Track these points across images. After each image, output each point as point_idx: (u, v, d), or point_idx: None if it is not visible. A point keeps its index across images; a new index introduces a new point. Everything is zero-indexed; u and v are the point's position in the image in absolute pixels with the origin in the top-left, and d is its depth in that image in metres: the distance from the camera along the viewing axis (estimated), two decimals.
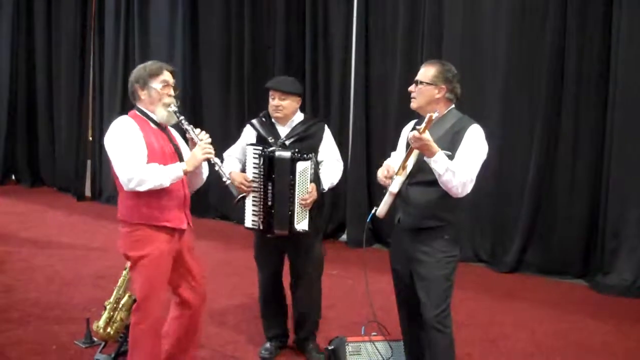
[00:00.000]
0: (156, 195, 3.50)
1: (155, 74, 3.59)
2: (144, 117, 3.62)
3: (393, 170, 3.56)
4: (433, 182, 3.41)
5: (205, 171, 3.80)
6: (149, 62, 3.67)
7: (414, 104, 3.59)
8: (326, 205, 6.41)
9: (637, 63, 5.86)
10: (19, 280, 5.94)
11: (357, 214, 7.54)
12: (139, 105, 3.65)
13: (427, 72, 3.55)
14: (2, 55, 11.37)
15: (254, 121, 4.39)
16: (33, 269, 6.32)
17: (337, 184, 4.46)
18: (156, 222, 3.55)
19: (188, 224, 3.72)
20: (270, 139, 4.22)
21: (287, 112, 4.25)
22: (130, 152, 3.43)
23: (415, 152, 3.44)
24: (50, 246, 7.23)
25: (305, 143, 4.25)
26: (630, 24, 5.86)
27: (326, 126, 4.45)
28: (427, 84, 3.53)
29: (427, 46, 6.92)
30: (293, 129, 4.30)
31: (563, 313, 5.48)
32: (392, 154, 3.88)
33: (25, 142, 11.26)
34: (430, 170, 3.39)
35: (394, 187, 3.54)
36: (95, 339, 4.52)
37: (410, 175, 3.53)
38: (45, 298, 5.50)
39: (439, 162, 3.32)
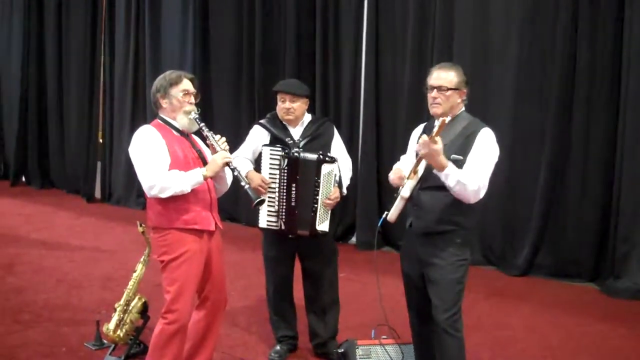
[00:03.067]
0: (183, 199, 3.58)
1: (175, 83, 3.68)
2: (167, 126, 3.70)
3: (404, 174, 3.55)
4: (445, 187, 3.41)
5: (229, 177, 3.85)
6: (168, 72, 3.76)
7: (438, 110, 3.51)
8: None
9: None
10: (29, 282, 5.96)
11: (367, 217, 7.53)
12: (161, 114, 3.74)
13: (449, 77, 3.51)
14: (13, 58, 11.44)
15: (264, 122, 4.41)
16: (43, 270, 6.34)
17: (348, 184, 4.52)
18: (184, 225, 3.62)
19: (217, 226, 3.78)
20: (288, 140, 4.23)
21: (298, 114, 4.29)
22: (151, 160, 3.53)
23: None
24: (60, 248, 7.24)
25: (319, 142, 4.32)
26: None
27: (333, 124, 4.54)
28: (453, 89, 3.50)
29: (437, 46, 6.90)
30: (306, 129, 4.34)
31: (574, 317, 5.45)
32: (402, 157, 3.86)
33: (36, 144, 11.30)
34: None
35: (406, 191, 3.52)
36: (105, 341, 4.52)
37: (422, 180, 3.51)
38: (54, 300, 5.51)
39: (450, 176, 3.32)
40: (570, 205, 6.41)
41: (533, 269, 6.57)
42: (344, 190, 4.38)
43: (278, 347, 4.48)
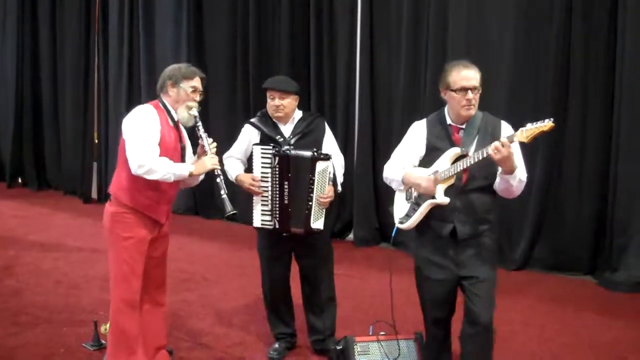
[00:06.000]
0: (152, 186, 3.72)
1: (188, 77, 3.85)
2: (165, 112, 3.82)
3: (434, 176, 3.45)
4: (485, 188, 3.43)
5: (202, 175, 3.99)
6: (184, 64, 3.94)
7: (473, 112, 3.46)
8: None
9: None
10: (27, 284, 5.95)
11: (364, 213, 7.54)
12: (164, 99, 3.86)
13: (477, 75, 3.43)
14: (7, 60, 11.41)
15: (254, 120, 4.40)
16: (40, 272, 6.33)
17: (343, 181, 4.51)
18: (145, 211, 3.77)
19: (167, 218, 3.95)
20: (279, 138, 4.23)
21: (287, 111, 4.28)
22: (147, 140, 3.63)
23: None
24: (57, 249, 7.23)
25: (310, 138, 4.31)
26: (636, 19, 5.83)
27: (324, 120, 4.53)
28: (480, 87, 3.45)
29: (432, 42, 6.89)
30: (296, 126, 4.33)
31: (572, 310, 5.46)
32: (398, 153, 3.74)
33: (32, 146, 11.28)
34: (481, 177, 3.39)
35: (442, 197, 3.42)
36: (103, 342, 4.52)
37: (461, 183, 3.44)
38: (53, 301, 5.51)
39: (516, 177, 3.31)
40: (566, 199, 6.41)
41: (530, 262, 6.58)
42: (339, 188, 4.37)
43: (277, 345, 4.49)
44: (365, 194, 7.56)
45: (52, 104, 11.01)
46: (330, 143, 4.39)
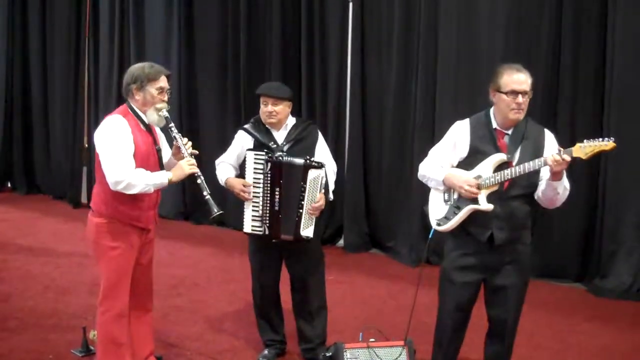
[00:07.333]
0: (134, 197, 3.68)
1: (153, 79, 3.73)
2: (135, 117, 3.76)
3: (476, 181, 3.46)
4: (525, 195, 3.45)
5: None
6: (147, 64, 3.81)
7: (521, 116, 3.44)
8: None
9: (633, 64, 5.86)
10: (16, 289, 5.91)
11: (355, 219, 7.52)
12: (132, 103, 3.79)
13: (529, 80, 3.44)
14: None
15: (248, 126, 4.39)
16: (29, 276, 6.29)
17: (334, 187, 4.51)
18: (128, 220, 3.73)
19: (155, 222, 3.94)
20: (272, 144, 4.22)
21: (281, 117, 4.27)
22: (122, 155, 3.58)
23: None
24: (47, 254, 7.19)
25: (302, 145, 4.30)
26: (625, 22, 5.86)
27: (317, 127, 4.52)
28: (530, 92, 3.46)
29: (422, 48, 6.89)
30: (289, 132, 4.32)
31: (561, 317, 5.47)
32: (440, 152, 3.69)
33: (21, 150, 11.22)
34: (524, 185, 3.41)
35: (485, 204, 3.43)
36: (91, 348, 4.50)
37: (503, 190, 3.46)
38: (41, 306, 5.48)
39: (562, 184, 3.33)
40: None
41: None
42: (330, 196, 4.36)
43: (266, 352, 4.48)
44: (356, 199, 7.55)
45: (42, 108, 10.95)
46: (322, 150, 4.39)
